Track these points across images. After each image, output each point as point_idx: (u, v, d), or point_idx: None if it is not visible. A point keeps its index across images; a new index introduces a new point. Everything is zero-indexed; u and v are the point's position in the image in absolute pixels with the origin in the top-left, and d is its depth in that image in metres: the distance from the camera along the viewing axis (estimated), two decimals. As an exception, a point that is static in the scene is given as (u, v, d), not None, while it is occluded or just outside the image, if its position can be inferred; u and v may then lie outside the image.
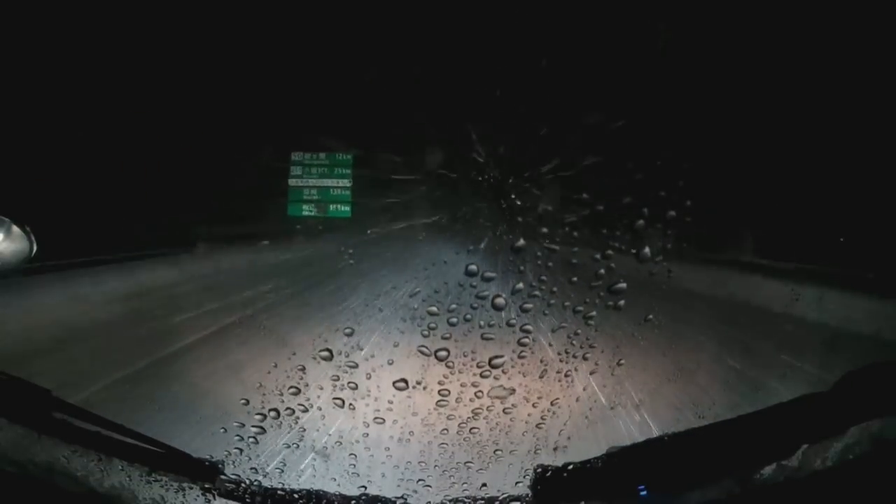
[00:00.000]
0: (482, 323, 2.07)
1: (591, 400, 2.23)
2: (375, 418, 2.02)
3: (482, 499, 1.33)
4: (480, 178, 2.67)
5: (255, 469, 1.61)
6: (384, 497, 1.32)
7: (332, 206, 3.96)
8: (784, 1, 3.25)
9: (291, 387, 2.06)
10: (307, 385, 2.08)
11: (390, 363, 2.23)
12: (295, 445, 1.95)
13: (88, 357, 3.86)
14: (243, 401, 2.01)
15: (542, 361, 2.15)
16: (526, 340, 1.97)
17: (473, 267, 2.10)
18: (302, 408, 1.99)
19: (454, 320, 2.08)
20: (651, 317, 2.09)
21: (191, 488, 1.21)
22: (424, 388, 2.04)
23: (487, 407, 1.97)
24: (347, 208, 3.94)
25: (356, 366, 2.12)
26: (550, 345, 2.16)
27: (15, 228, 1.70)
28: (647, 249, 1.88)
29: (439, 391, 1.99)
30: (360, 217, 3.94)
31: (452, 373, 2.04)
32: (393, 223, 3.64)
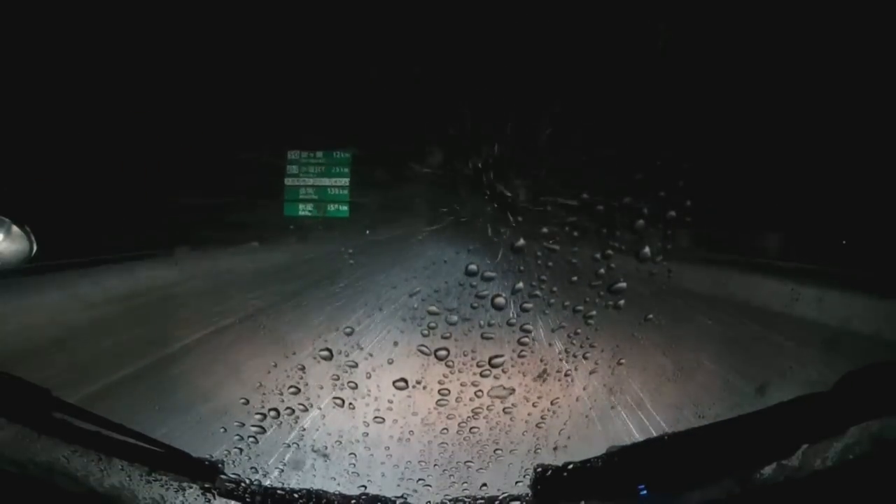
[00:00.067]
0: (482, 322, 2.07)
1: (591, 400, 2.23)
2: (375, 418, 2.02)
3: (482, 498, 1.32)
4: (480, 178, 2.67)
5: (255, 469, 1.61)
6: (384, 497, 1.32)
7: (329, 206, 3.89)
8: (784, 1, 3.25)
9: (291, 386, 2.05)
10: (307, 385, 2.08)
11: (390, 363, 2.23)
12: (295, 445, 1.95)
13: (88, 357, 3.86)
14: (243, 400, 2.01)
15: (542, 361, 2.15)
16: (526, 340, 1.97)
17: (473, 266, 2.10)
18: (302, 407, 1.98)
19: (454, 320, 2.08)
20: (651, 317, 2.09)
21: (191, 488, 1.21)
22: (424, 387, 2.04)
23: (487, 406, 1.97)
24: (346, 208, 3.89)
25: (356, 365, 2.11)
26: (550, 344, 2.16)
27: (15, 228, 1.70)
28: (647, 249, 1.88)
29: (439, 391, 1.99)
30: (358, 217, 3.91)
31: (452, 372, 2.04)
32: (392, 223, 3.62)
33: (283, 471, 1.79)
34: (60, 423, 1.06)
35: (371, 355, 2.27)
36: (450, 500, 1.34)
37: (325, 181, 3.84)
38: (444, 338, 2.06)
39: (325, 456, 1.98)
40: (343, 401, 2.02)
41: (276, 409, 1.95)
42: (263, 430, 1.80)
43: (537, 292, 2.03)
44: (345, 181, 3.85)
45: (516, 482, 1.48)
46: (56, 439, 1.05)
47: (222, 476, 1.25)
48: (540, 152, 2.74)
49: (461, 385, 2.01)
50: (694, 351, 3.13)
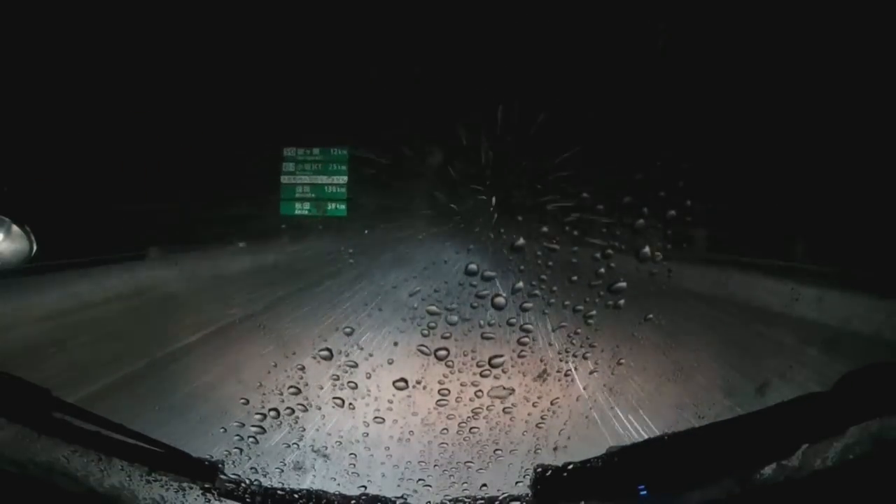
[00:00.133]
0: (482, 322, 2.07)
1: (591, 400, 2.23)
2: (375, 418, 2.02)
3: (482, 499, 1.32)
4: (480, 177, 2.67)
5: (255, 469, 1.61)
6: (384, 497, 1.32)
7: (326, 205, 3.82)
8: (783, 1, 3.25)
9: (291, 386, 2.05)
10: (307, 385, 2.08)
11: (390, 363, 2.23)
12: (295, 445, 1.95)
13: (88, 357, 3.86)
14: (243, 400, 2.01)
15: (542, 361, 2.15)
16: (526, 340, 1.97)
17: (473, 266, 2.10)
18: (302, 407, 1.98)
19: (454, 319, 2.08)
20: (651, 316, 2.09)
21: (191, 488, 1.21)
22: (424, 387, 2.04)
23: (487, 406, 1.97)
24: (343, 206, 3.81)
25: (356, 365, 2.11)
26: (550, 344, 2.16)
27: (15, 228, 1.70)
28: (647, 249, 1.88)
29: (439, 391, 1.99)
30: (357, 216, 3.87)
31: (452, 372, 2.04)
32: (391, 222, 3.59)
33: (283, 471, 1.78)
34: (60, 423, 1.06)
35: (371, 355, 2.27)
36: (450, 501, 1.34)
37: (323, 179, 3.75)
38: (444, 338, 2.06)
39: (325, 456, 1.98)
40: (343, 401, 2.02)
41: (276, 409, 1.95)
42: (263, 430, 1.80)
43: (537, 292, 2.03)
44: (343, 179, 3.75)
45: (516, 482, 1.48)
46: (56, 439, 1.05)
47: (222, 476, 1.25)
48: (540, 152, 2.74)
49: (461, 385, 2.01)
50: (694, 351, 3.13)
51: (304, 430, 2.00)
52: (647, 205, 1.92)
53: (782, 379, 2.76)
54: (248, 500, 1.23)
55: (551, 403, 2.00)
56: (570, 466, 1.13)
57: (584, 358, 2.06)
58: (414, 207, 3.48)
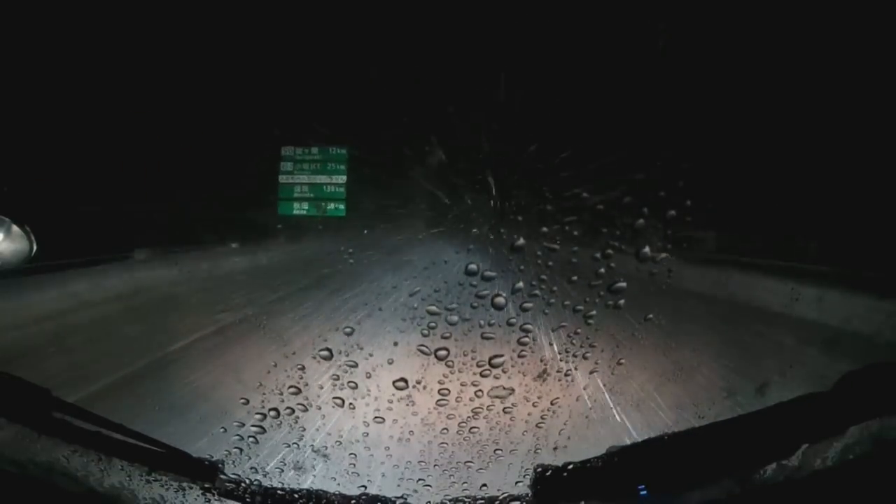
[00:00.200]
0: (482, 322, 2.07)
1: (591, 400, 2.23)
2: (375, 418, 2.02)
3: (482, 498, 1.32)
4: (481, 177, 2.67)
5: (255, 469, 1.61)
6: (384, 497, 1.31)
7: (325, 205, 3.77)
8: (783, 1, 3.25)
9: (291, 386, 2.05)
10: (307, 385, 2.08)
11: (390, 362, 2.23)
12: (295, 445, 1.95)
13: (88, 357, 3.86)
14: (243, 400, 2.01)
15: (542, 361, 2.15)
16: (526, 340, 1.97)
17: (473, 266, 2.09)
18: (302, 407, 1.98)
19: (454, 319, 2.08)
20: (651, 316, 2.09)
21: (191, 488, 1.21)
22: (424, 387, 2.04)
23: (487, 406, 1.97)
24: (342, 206, 3.77)
25: (356, 365, 2.11)
26: (551, 344, 2.16)
27: (15, 228, 1.69)
28: (647, 249, 1.88)
29: (439, 390, 1.99)
30: (356, 216, 3.84)
31: (452, 372, 2.04)
32: (391, 222, 3.58)
33: (283, 471, 1.78)
34: (60, 423, 1.06)
35: (371, 355, 2.26)
36: (450, 500, 1.33)
37: (321, 178, 3.69)
38: (444, 338, 2.06)
39: (325, 456, 1.98)
40: (343, 401, 2.02)
41: (276, 409, 1.95)
42: (263, 430, 1.80)
43: (537, 292, 2.03)
44: (341, 178, 3.69)
45: (516, 482, 1.48)
46: (56, 439, 1.05)
47: (222, 476, 1.25)
48: (540, 152, 2.74)
49: (461, 385, 2.01)
50: (694, 351, 3.13)
51: (304, 429, 2.00)
52: (647, 205, 1.92)
53: (782, 379, 2.76)
54: (248, 500, 1.23)
55: (551, 403, 2.00)
56: (570, 466, 1.13)
57: (584, 358, 2.06)
58: (413, 207, 3.47)
